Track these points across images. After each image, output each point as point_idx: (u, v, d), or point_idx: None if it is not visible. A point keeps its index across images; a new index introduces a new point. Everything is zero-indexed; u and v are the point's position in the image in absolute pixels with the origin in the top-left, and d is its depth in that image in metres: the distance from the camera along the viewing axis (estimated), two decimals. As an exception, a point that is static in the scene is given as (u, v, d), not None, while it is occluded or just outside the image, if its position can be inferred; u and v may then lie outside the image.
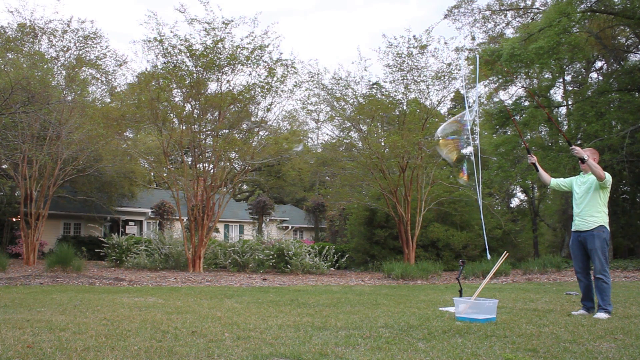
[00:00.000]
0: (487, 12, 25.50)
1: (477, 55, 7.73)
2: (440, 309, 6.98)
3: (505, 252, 7.58)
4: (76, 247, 18.41)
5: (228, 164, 19.71)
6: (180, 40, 17.17)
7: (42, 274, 13.62)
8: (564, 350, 4.04)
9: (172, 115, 18.66)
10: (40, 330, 4.89)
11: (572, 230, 6.55)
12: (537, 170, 6.78)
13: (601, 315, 5.97)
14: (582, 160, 6.30)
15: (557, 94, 27.96)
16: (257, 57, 17.76)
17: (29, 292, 9.24)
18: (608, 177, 6.23)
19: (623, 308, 6.94)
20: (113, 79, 21.66)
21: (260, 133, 20.42)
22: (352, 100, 19.42)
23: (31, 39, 19.35)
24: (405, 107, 19.26)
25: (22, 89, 14.75)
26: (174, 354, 3.88)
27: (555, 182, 6.85)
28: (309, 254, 17.69)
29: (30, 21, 19.39)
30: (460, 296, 6.68)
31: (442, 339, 4.55)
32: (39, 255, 20.96)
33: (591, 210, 6.30)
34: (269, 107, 19.07)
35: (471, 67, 20.93)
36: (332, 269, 19.05)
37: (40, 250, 22.75)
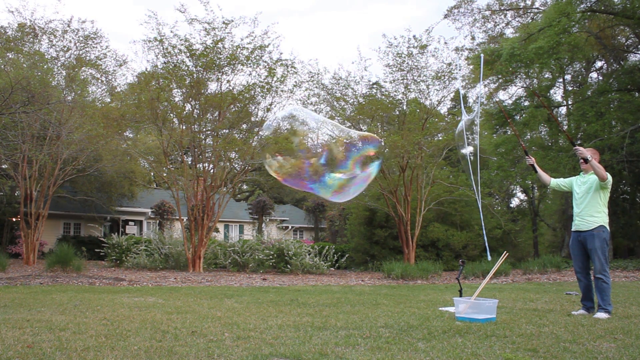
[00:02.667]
0: (487, 12, 25.49)
1: (482, 55, 7.70)
2: (440, 309, 6.99)
3: (505, 252, 7.57)
4: (76, 247, 18.40)
5: (228, 164, 19.71)
6: (180, 40, 17.17)
7: (42, 273, 13.62)
8: (564, 350, 4.04)
9: (172, 115, 18.66)
10: (40, 330, 4.89)
11: (572, 230, 6.55)
12: (536, 172, 6.83)
13: (601, 315, 5.96)
14: (586, 161, 6.28)
15: (557, 94, 27.97)
16: (257, 57, 17.76)
17: (28, 292, 9.24)
18: (609, 178, 6.23)
19: (623, 308, 6.95)
20: (113, 79, 21.67)
21: (260, 133, 20.41)
22: (352, 100, 19.42)
23: (31, 39, 19.35)
24: (405, 107, 19.27)
25: (22, 89, 14.74)
26: (173, 354, 3.88)
27: (555, 182, 6.88)
28: (309, 254, 17.70)
29: (31, 21, 19.39)
30: (461, 296, 6.68)
31: (442, 338, 4.55)
32: (39, 255, 20.95)
33: (591, 210, 6.30)
34: (269, 107, 19.07)
35: (471, 67, 20.92)
36: (332, 269, 19.05)
37: (40, 250, 22.74)
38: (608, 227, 6.34)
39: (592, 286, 6.38)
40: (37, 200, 19.83)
